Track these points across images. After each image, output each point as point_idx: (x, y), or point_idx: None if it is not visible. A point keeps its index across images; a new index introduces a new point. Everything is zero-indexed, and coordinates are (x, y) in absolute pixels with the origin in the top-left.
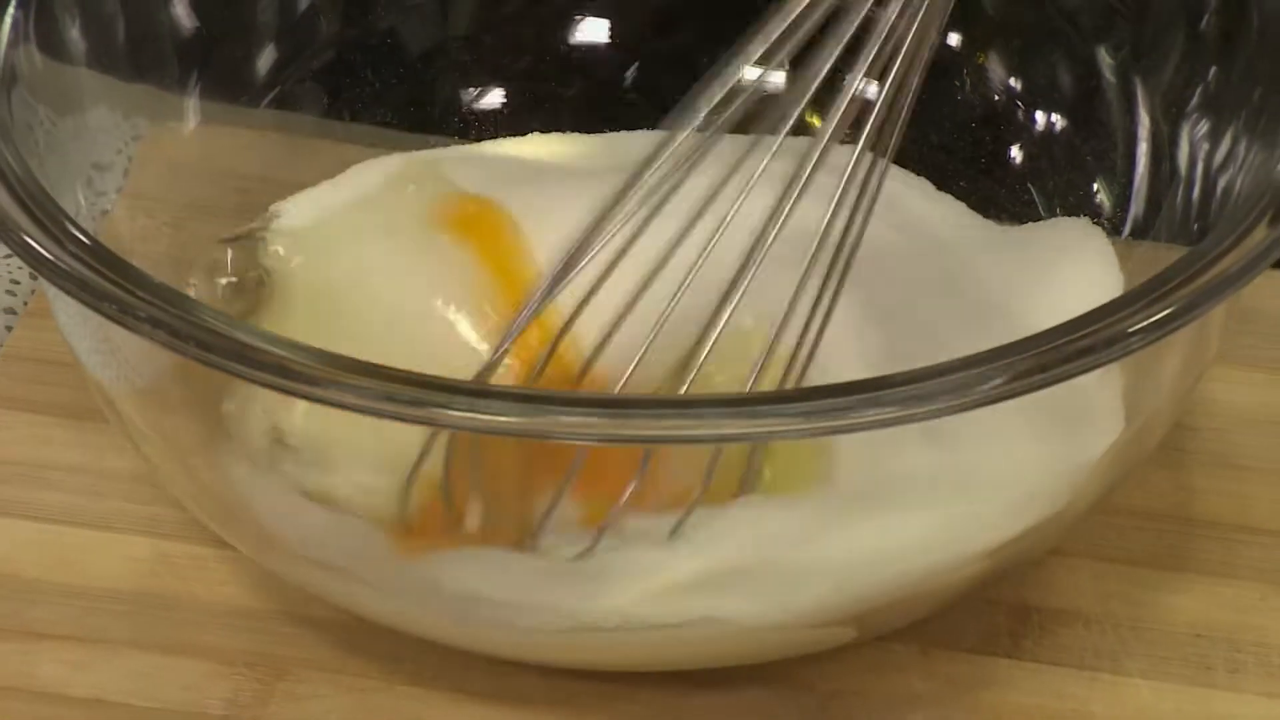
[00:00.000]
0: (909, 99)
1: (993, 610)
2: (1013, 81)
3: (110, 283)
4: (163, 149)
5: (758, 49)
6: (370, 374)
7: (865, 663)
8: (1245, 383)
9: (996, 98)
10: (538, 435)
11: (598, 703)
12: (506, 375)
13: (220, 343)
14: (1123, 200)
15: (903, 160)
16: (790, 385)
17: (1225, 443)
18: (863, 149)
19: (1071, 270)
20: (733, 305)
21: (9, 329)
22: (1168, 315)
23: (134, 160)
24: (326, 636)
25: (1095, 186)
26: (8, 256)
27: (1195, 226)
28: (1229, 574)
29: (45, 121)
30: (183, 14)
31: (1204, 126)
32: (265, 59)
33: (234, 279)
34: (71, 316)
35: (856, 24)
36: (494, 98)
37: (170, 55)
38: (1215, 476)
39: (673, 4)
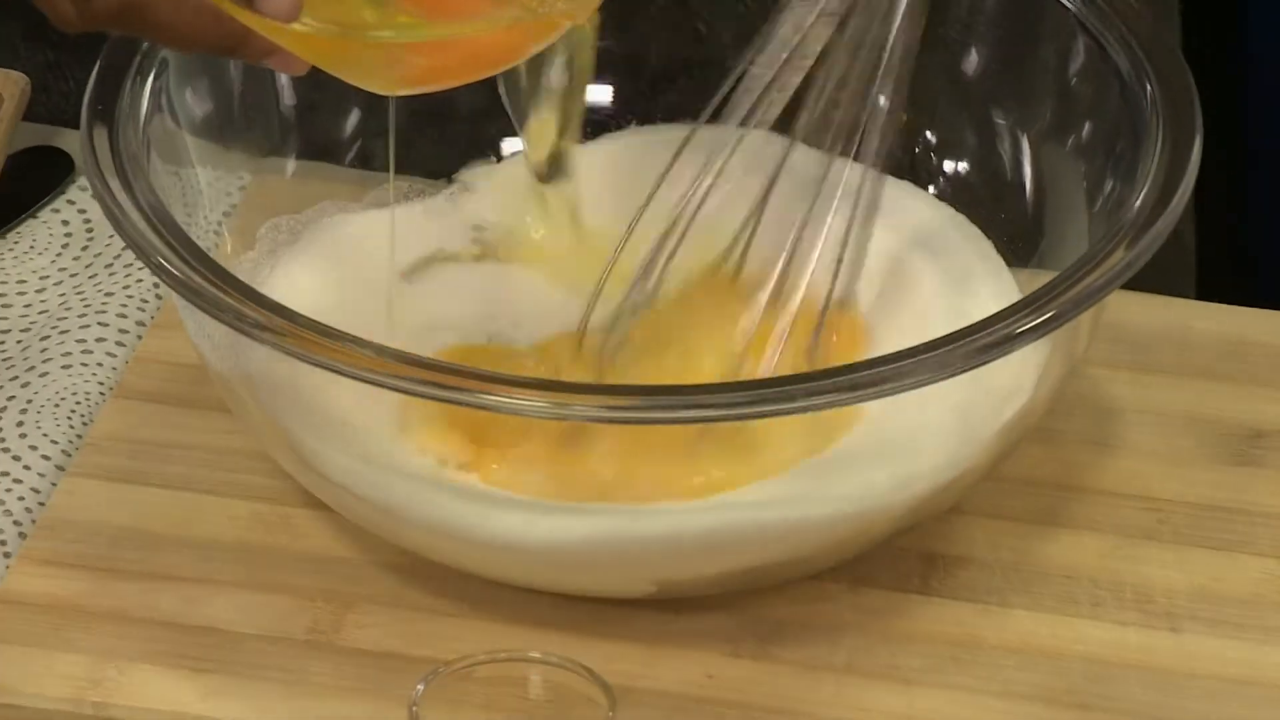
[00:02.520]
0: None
1: (906, 556)
2: (929, 134)
3: (223, 294)
4: (264, 195)
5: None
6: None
7: (806, 596)
8: (1109, 380)
9: (916, 150)
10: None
11: (599, 626)
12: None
13: (311, 345)
14: (1015, 229)
15: None
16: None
17: (1092, 427)
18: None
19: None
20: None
21: (139, 338)
22: (1049, 319)
23: (238, 205)
24: (385, 578)
25: (992, 219)
26: (138, 281)
27: (1070, 250)
28: (1092, 529)
29: (174, 172)
30: (287, 90)
31: (1079, 168)
32: (350, 123)
33: None
34: (195, 320)
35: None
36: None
37: (274, 122)
38: (1083, 453)
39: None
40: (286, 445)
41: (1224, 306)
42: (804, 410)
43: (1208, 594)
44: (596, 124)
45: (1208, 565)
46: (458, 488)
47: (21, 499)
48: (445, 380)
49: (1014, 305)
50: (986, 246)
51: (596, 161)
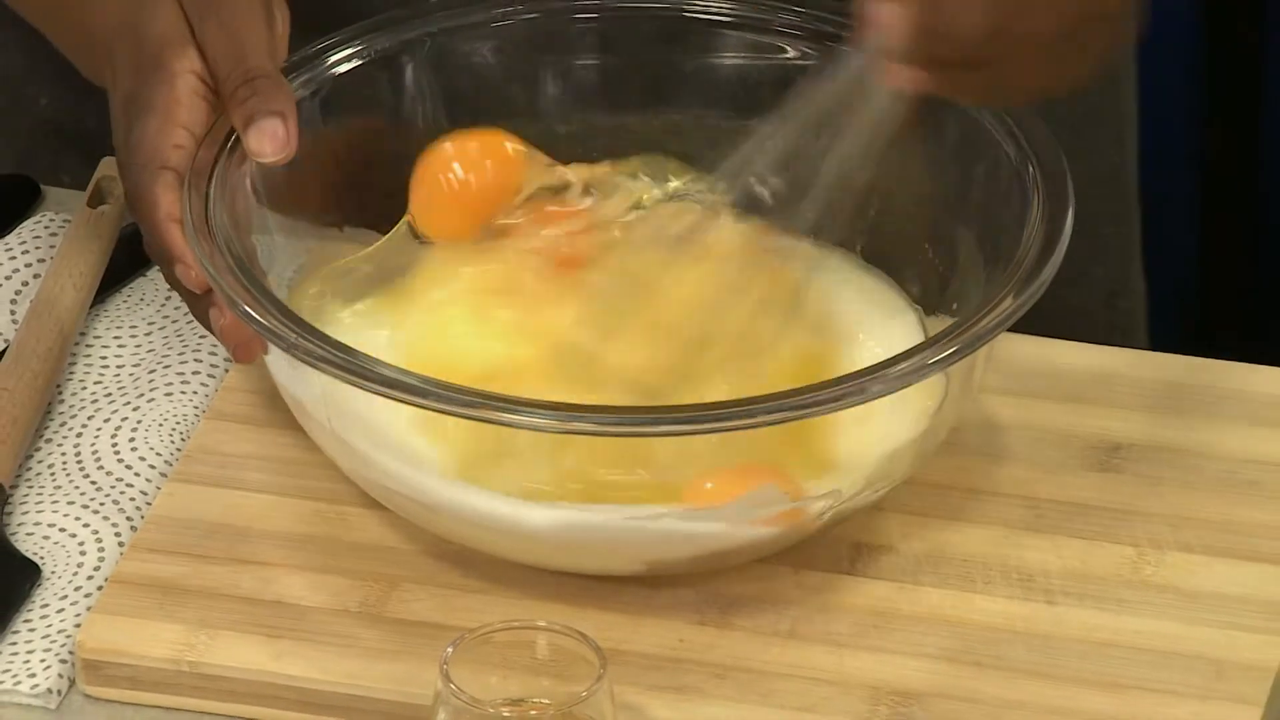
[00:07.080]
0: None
1: (838, 544)
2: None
3: (293, 333)
4: (322, 256)
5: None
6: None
7: (756, 576)
8: (1000, 404)
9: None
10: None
11: (593, 600)
12: None
13: (367, 373)
14: (924, 283)
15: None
16: None
17: (986, 440)
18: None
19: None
20: None
21: (227, 370)
22: (950, 354)
23: (305, 263)
24: (424, 562)
25: (908, 276)
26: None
27: (968, 299)
28: (985, 522)
29: (255, 238)
30: (340, 178)
31: (976, 234)
32: (397, 201)
33: None
34: (272, 353)
35: None
36: None
37: (333, 201)
38: (978, 462)
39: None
40: (344, 453)
41: (1088, 345)
42: (766, 425)
43: (1077, 574)
44: None
45: (1076, 551)
46: (474, 485)
47: (133, 499)
48: (461, 397)
49: (923, 343)
50: (902, 298)
51: None
